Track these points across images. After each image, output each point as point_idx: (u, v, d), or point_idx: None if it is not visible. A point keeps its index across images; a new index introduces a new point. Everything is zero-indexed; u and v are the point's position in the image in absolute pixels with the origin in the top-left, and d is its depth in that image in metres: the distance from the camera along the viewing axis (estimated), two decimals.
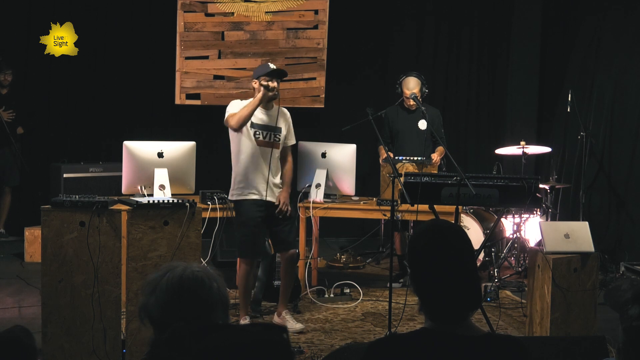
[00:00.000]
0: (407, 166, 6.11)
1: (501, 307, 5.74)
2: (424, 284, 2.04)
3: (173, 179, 4.75)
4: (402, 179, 4.78)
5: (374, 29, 8.71)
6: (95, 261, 4.16)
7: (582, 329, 4.61)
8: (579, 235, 4.69)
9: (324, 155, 6.04)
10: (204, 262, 5.19)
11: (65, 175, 7.25)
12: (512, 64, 8.79)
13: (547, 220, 6.89)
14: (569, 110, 7.34)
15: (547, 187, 7.00)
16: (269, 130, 5.06)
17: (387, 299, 4.88)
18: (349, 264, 7.11)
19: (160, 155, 4.76)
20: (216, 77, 8.36)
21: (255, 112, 4.98)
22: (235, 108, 4.97)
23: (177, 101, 8.36)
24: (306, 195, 6.04)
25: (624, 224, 7.30)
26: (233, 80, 8.35)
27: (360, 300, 5.92)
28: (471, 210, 6.81)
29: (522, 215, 6.82)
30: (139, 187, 4.75)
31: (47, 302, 4.20)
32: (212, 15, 8.30)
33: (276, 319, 5.20)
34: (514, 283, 6.51)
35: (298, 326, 5.11)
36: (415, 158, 6.12)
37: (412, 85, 6.27)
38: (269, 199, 5.05)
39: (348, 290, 5.96)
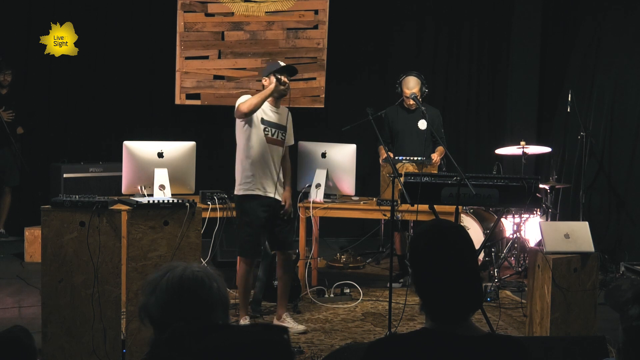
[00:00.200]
0: (407, 166, 6.11)
1: (501, 307, 5.74)
2: (424, 284, 2.04)
3: (173, 179, 4.74)
4: (402, 179, 4.78)
5: (374, 29, 8.71)
6: (95, 261, 4.16)
7: (582, 329, 4.61)
8: (579, 235, 4.69)
9: (324, 155, 6.04)
10: (204, 262, 5.19)
11: (65, 175, 7.25)
12: (512, 64, 8.79)
13: (547, 220, 6.89)
14: (569, 110, 7.34)
15: (547, 187, 7.00)
16: (278, 129, 5.10)
17: (387, 299, 4.88)
18: (349, 264, 7.11)
19: (160, 155, 4.76)
20: (216, 77, 8.36)
21: (267, 110, 5.05)
22: (246, 98, 5.02)
23: (177, 101, 8.36)
24: (306, 195, 6.04)
25: (624, 224, 7.30)
26: (233, 80, 8.35)
27: (360, 300, 5.91)
28: (471, 210, 6.81)
29: (522, 215, 6.82)
30: (139, 187, 4.75)
31: (47, 302, 4.20)
32: (212, 15, 8.30)
33: (276, 323, 5.17)
34: (514, 283, 6.51)
35: (300, 327, 5.10)
36: (415, 158, 6.12)
37: (412, 85, 6.27)
38: (274, 195, 5.06)
39: (348, 290, 5.96)
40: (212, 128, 8.43)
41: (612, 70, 7.55)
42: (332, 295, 5.91)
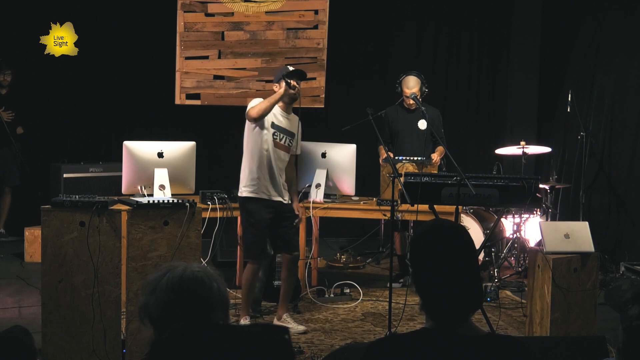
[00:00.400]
0: (407, 166, 6.11)
1: (501, 307, 5.74)
2: (424, 284, 2.04)
3: (173, 179, 4.75)
4: (402, 179, 4.78)
5: (374, 29, 8.71)
6: (95, 261, 4.16)
7: (582, 329, 4.61)
8: (579, 235, 4.69)
9: (324, 155, 6.04)
10: (204, 262, 5.19)
11: (65, 175, 7.25)
12: (512, 64, 8.79)
13: (547, 220, 6.89)
14: (569, 110, 7.34)
15: (547, 187, 7.00)
16: (287, 135, 5.12)
17: (387, 299, 4.87)
18: (349, 264, 7.11)
19: (160, 155, 4.76)
20: (216, 77, 8.35)
21: (278, 115, 5.06)
22: (257, 102, 5.02)
23: (177, 101, 8.35)
24: (306, 195, 6.04)
25: (624, 224, 7.30)
26: (233, 80, 8.35)
27: (360, 300, 5.91)
28: (471, 210, 6.81)
29: (522, 215, 6.82)
30: (139, 187, 4.76)
31: (47, 302, 4.20)
32: (212, 15, 8.30)
33: (276, 323, 5.19)
34: (514, 283, 6.51)
35: (301, 328, 5.10)
36: (415, 158, 6.12)
37: (411, 85, 6.27)
38: (278, 199, 5.07)
39: (348, 290, 5.96)
40: (212, 128, 8.42)
41: (612, 70, 7.55)
42: (332, 295, 5.91)
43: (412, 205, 4.94)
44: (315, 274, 6.39)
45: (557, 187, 7.21)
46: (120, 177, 4.82)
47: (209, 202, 5.46)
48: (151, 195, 4.68)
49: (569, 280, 4.58)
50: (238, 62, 8.34)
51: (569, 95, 7.32)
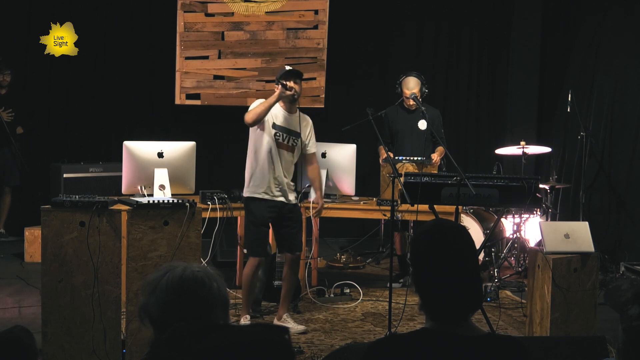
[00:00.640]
0: (407, 166, 6.11)
1: (501, 307, 5.74)
2: (424, 284, 2.04)
3: (173, 179, 4.75)
4: (402, 179, 4.78)
5: (374, 29, 8.71)
6: (95, 261, 4.17)
7: (582, 329, 4.61)
8: (579, 235, 4.69)
9: (324, 155, 6.04)
10: (204, 262, 5.19)
11: (65, 175, 7.25)
12: (512, 64, 8.79)
13: (547, 220, 6.89)
14: (569, 110, 7.34)
15: (547, 187, 7.00)
16: (290, 134, 5.10)
17: (387, 299, 4.88)
18: (349, 264, 7.11)
19: (160, 155, 4.76)
20: (216, 77, 8.35)
21: (279, 115, 5.05)
22: (255, 104, 5.02)
23: (177, 101, 8.35)
24: (306, 195, 6.04)
25: (624, 224, 7.30)
26: (233, 80, 8.35)
27: (360, 300, 5.91)
28: (471, 210, 6.81)
29: (522, 215, 6.82)
30: (139, 187, 4.75)
31: (47, 302, 4.20)
32: (212, 15, 8.30)
33: (276, 323, 5.17)
34: (514, 283, 6.51)
35: (300, 328, 5.10)
36: (415, 158, 6.12)
37: (412, 85, 6.27)
38: (281, 199, 5.07)
39: (348, 290, 5.96)
40: (212, 128, 8.42)
41: (612, 70, 7.55)
42: (332, 295, 5.91)
43: (412, 205, 4.94)
44: (315, 274, 6.39)
45: (557, 187, 7.21)
46: (120, 177, 4.82)
47: (209, 202, 5.46)
48: (151, 195, 4.67)
49: (569, 280, 4.58)
50: (238, 62, 8.33)
51: (569, 95, 7.32)
